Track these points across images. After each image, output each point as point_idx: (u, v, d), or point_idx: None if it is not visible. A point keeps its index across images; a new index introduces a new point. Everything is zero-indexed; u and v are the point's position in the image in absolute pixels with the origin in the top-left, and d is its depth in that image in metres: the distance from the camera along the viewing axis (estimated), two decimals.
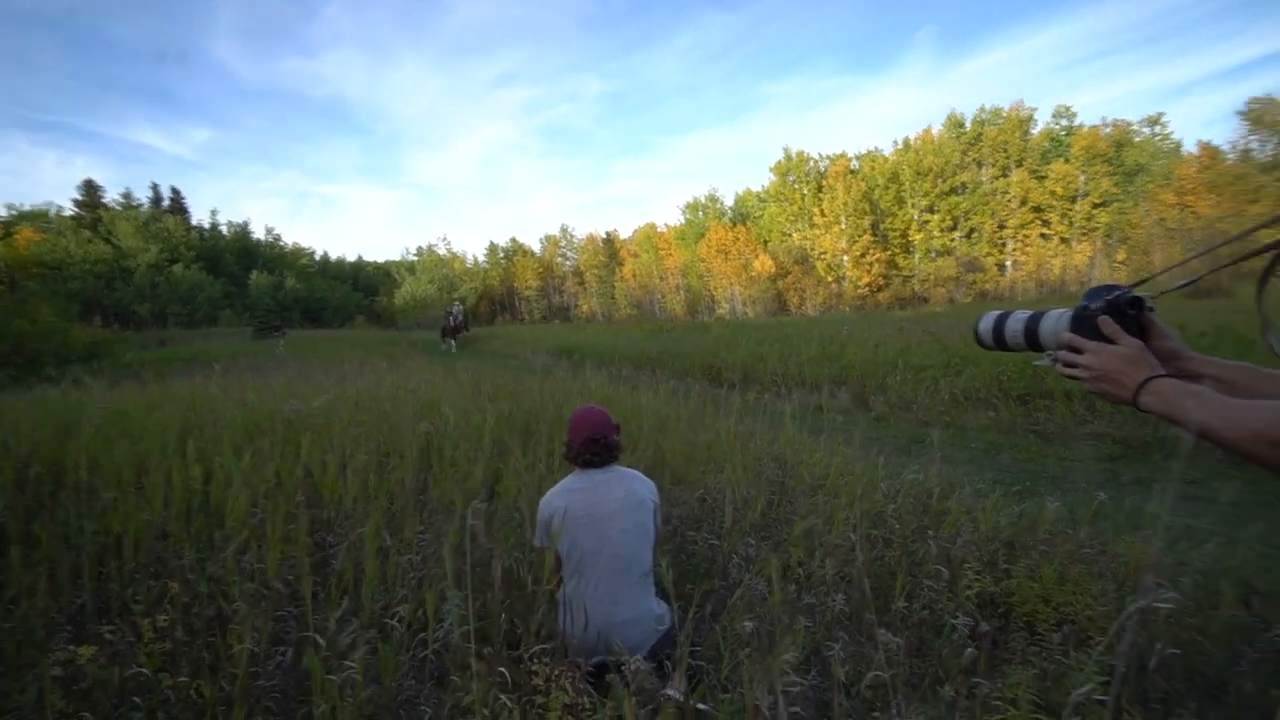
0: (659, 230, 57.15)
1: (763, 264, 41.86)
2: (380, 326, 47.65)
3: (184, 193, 56.72)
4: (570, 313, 59.07)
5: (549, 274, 63.00)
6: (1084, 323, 0.90)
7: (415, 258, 66.60)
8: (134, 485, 2.87)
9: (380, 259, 74.63)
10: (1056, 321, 0.96)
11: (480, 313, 59.75)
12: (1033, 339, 1.00)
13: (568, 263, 63.82)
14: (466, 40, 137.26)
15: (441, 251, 65.08)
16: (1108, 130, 38.52)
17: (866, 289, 40.42)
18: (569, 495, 1.98)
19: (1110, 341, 0.87)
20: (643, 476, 2.09)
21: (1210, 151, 31.84)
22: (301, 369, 9.05)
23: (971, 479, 3.76)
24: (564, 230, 64.75)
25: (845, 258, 41.25)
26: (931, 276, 39.69)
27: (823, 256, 41.98)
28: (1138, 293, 0.90)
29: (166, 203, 53.92)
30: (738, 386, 7.74)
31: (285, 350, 12.01)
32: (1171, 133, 39.14)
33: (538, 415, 4.55)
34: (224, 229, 58.52)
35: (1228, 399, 0.74)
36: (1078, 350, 0.90)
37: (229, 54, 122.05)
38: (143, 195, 52.87)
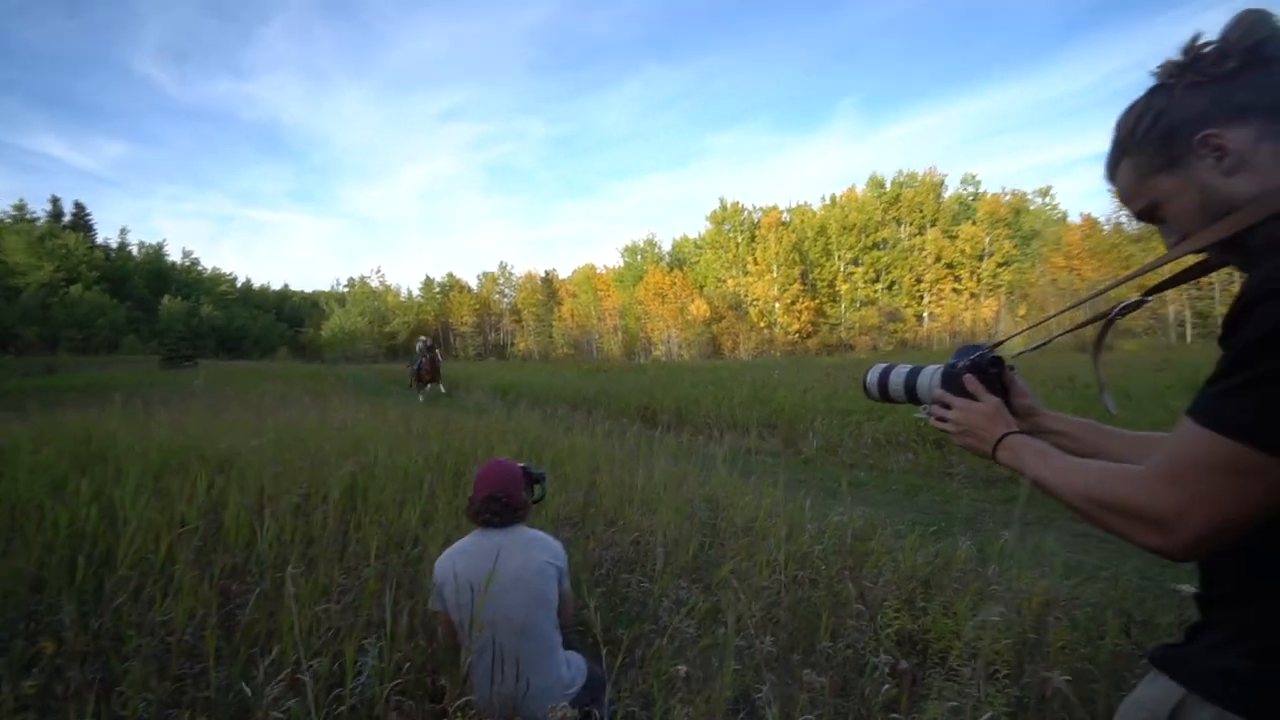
0: (598, 271, 57.81)
1: (698, 308, 42.92)
2: (305, 359, 45.29)
3: (89, 208, 52.65)
4: (506, 350, 58.32)
5: (486, 311, 62.24)
6: (951, 380, 0.99)
7: (346, 289, 64.40)
8: (6, 530, 2.59)
9: (309, 289, 71.82)
10: (930, 377, 1.05)
11: (411, 348, 58.14)
12: (912, 393, 1.09)
13: (505, 300, 63.35)
14: (411, 74, 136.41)
15: (374, 284, 63.27)
16: (1007, 198, 42.45)
17: (796, 335, 42.10)
18: (463, 559, 1.82)
19: (973, 398, 0.96)
20: (546, 539, 1.95)
21: (1090, 222, 35.87)
22: (217, 402, 8.47)
23: (893, 520, 3.92)
24: (503, 267, 64.51)
25: (777, 305, 42.97)
26: (856, 325, 41.87)
27: (755, 303, 43.56)
28: (998, 353, 1.00)
29: (68, 218, 50.02)
30: (672, 428, 7.82)
31: (202, 382, 11.11)
32: (1059, 203, 43.64)
33: (470, 456, 4.45)
34: (134, 249, 54.77)
35: (1065, 457, 0.82)
36: (947, 405, 0.99)
37: (152, 67, 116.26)
38: (40, 209, 48.83)
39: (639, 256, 54.66)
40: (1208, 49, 0.74)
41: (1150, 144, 0.79)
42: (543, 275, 62.31)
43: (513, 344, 59.04)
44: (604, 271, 57.45)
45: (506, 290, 63.90)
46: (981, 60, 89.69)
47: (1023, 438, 0.90)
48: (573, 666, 1.91)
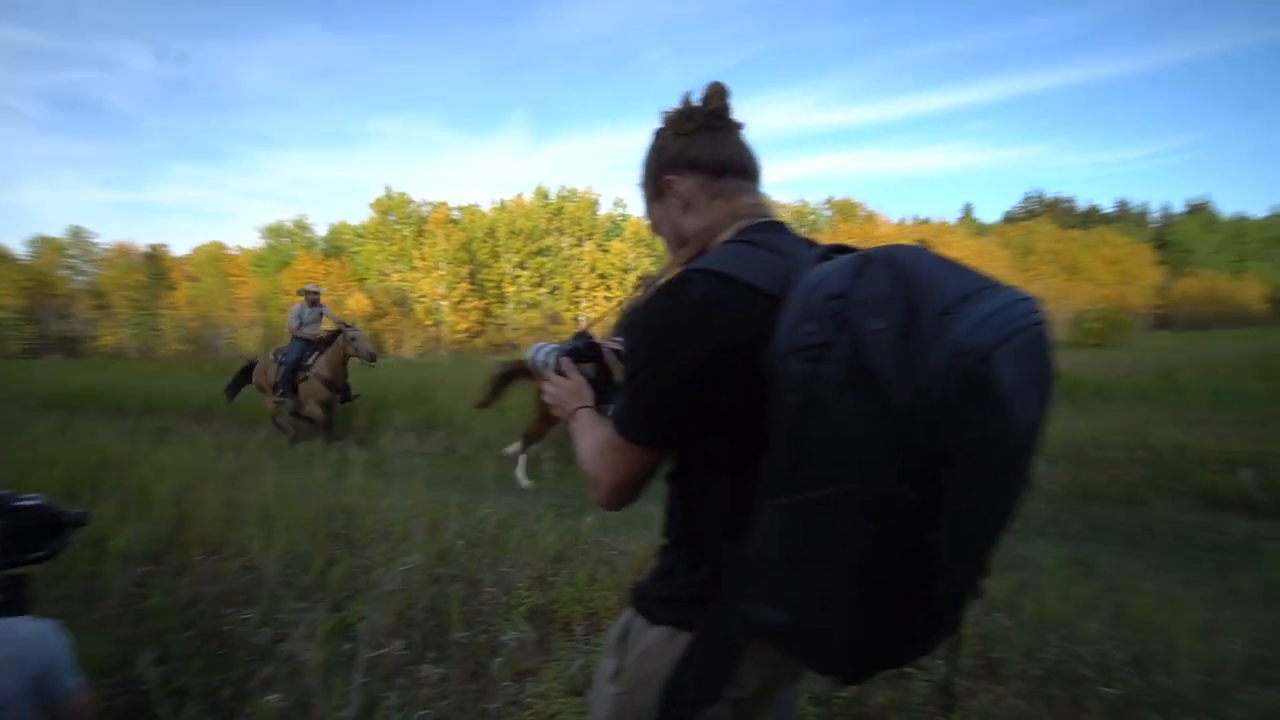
0: (230, 252, 48.05)
1: (358, 302, 39.27)
2: None
3: None
4: (82, 345, 43.84)
5: (45, 292, 45.75)
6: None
7: None
8: None
9: None
10: (547, 356, 1.20)
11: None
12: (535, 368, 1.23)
13: (81, 278, 47.63)
14: None
15: None
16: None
17: (464, 334, 41.96)
18: None
19: (567, 377, 1.12)
20: (13, 632, 1.10)
21: None
22: None
23: (535, 506, 4.22)
24: (77, 234, 48.22)
25: (444, 303, 42.12)
26: (522, 325, 43.82)
27: (422, 300, 42.01)
28: (596, 338, 1.19)
29: None
30: (312, 435, 6.98)
31: None
32: None
33: None
34: None
35: (597, 430, 0.96)
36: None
37: None
38: None
39: (286, 239, 47.23)
40: (685, 109, 0.92)
41: (649, 177, 1.01)
42: (146, 249, 48.81)
43: (95, 337, 44.75)
44: (238, 253, 48.00)
45: (84, 265, 48.06)
46: (628, 99, 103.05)
47: (587, 412, 1.03)
48: None
